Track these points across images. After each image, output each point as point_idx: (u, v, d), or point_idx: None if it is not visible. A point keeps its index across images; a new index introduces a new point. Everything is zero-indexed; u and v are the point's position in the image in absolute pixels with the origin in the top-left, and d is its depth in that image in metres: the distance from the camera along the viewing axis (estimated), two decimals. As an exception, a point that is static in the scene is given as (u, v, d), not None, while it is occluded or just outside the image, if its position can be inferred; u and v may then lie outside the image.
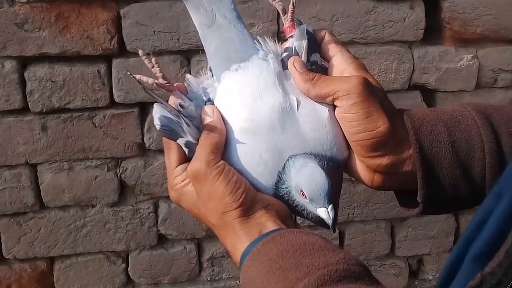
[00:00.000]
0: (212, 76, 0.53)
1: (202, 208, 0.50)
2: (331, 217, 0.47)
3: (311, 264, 0.41)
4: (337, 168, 0.50)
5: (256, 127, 0.50)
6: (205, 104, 0.52)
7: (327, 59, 0.53)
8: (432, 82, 1.15)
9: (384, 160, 0.49)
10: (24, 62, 1.03)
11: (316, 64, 0.53)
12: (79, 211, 1.13)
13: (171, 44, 1.03)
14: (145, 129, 1.10)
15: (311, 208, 0.49)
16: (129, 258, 1.19)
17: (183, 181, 0.51)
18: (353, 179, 0.54)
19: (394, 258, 1.31)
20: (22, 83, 1.03)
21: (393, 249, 1.29)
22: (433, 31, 1.13)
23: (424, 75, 1.14)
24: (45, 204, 1.11)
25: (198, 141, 0.50)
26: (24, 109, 1.05)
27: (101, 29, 1.01)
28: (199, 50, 1.04)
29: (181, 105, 0.51)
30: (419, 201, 0.50)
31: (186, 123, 0.49)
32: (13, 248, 1.13)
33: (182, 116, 0.49)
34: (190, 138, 0.50)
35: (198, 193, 0.49)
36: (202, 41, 0.54)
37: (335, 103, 0.50)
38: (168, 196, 1.14)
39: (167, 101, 0.51)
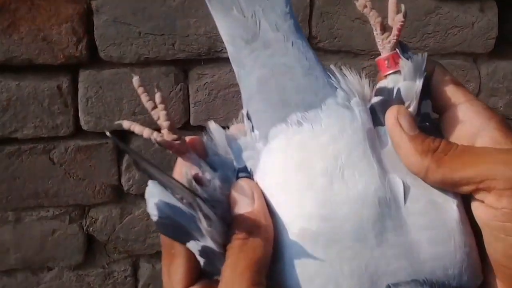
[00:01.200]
0: (253, 130, 0.38)
1: None
2: None
3: None
4: None
5: (332, 231, 0.34)
6: (238, 177, 0.37)
7: (441, 109, 0.38)
8: (500, 107, 0.96)
9: None
10: (-49, 73, 0.84)
11: (429, 119, 0.37)
12: (30, 276, 0.94)
13: (162, 51, 0.86)
14: (123, 167, 0.91)
15: None
16: (99, 336, 1.01)
17: None
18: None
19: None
20: (-51, 102, 0.84)
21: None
22: (504, 42, 0.95)
23: (492, 98, 0.96)
24: (-18, 269, 0.92)
25: (224, 249, 0.34)
26: (-49, 139, 0.87)
27: (64, 28, 0.83)
28: (201, 60, 0.86)
29: (197, 179, 0.35)
30: None
31: (206, 217, 0.34)
32: None
33: (199, 203, 0.33)
34: (210, 243, 0.34)
35: None
36: (234, 66, 0.39)
37: (477, 197, 0.34)
38: (152, 255, 0.95)
39: (172, 171, 0.36)
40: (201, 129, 0.85)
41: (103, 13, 0.83)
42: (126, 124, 0.36)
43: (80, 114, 0.87)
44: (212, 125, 0.38)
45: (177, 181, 0.33)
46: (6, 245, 0.90)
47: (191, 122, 0.89)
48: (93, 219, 0.94)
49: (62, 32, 0.82)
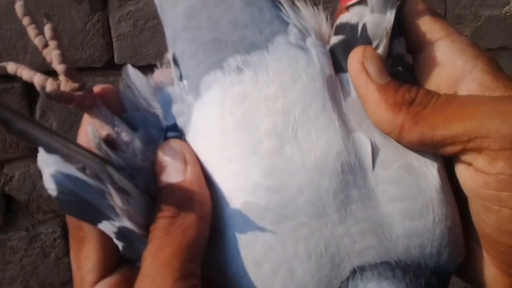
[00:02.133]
0: (181, 79, 0.32)
1: None
2: None
3: None
4: (441, 286, 0.31)
5: (283, 206, 0.29)
6: (166, 138, 0.31)
7: (415, 47, 0.32)
8: (467, 35, 0.90)
9: None
10: None
11: (403, 62, 0.31)
12: None
13: None
14: (37, 114, 0.82)
15: None
16: (30, 303, 0.97)
17: None
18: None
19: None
20: None
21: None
22: None
23: (458, 25, 0.93)
24: None
25: (147, 230, 0.28)
26: None
27: None
28: (121, -18, 0.78)
29: (109, 142, 0.29)
30: None
31: (121, 191, 0.28)
32: None
33: (111, 173, 0.28)
34: (128, 224, 0.28)
35: None
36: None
37: (466, 159, 0.29)
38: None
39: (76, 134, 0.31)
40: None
41: None
42: (11, 67, 0.30)
43: (-25, 53, 0.76)
44: (131, 71, 0.32)
45: (74, 144, 0.28)
46: None
47: (116, 60, 0.81)
48: (8, 177, 0.87)
49: None
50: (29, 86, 0.79)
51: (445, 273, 0.31)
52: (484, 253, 0.31)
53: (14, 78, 0.79)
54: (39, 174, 0.85)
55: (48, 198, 0.88)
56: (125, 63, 0.83)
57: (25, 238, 0.90)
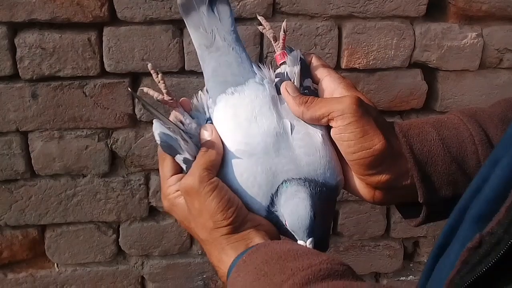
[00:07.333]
0: (209, 98, 0.53)
1: (192, 222, 0.50)
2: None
3: (295, 267, 0.41)
4: (330, 193, 0.50)
5: (251, 149, 0.49)
6: (206, 123, 0.52)
7: (316, 82, 0.53)
8: (433, 60, 1.10)
9: (383, 177, 0.49)
10: (14, 28, 0.99)
11: (309, 89, 0.52)
12: (69, 180, 1.11)
13: (162, 13, 0.99)
14: (136, 100, 1.06)
15: (294, 237, 0.49)
16: (120, 229, 1.17)
17: (176, 191, 0.51)
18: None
19: (389, 240, 1.28)
20: (12, 49, 0.99)
21: (388, 230, 1.27)
22: (436, 7, 1.07)
23: (425, 52, 1.09)
24: (36, 172, 1.09)
25: (195, 158, 0.49)
26: (14, 76, 1.01)
27: (92, -4, 0.97)
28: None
29: (181, 122, 0.51)
30: (420, 202, 0.50)
31: (184, 140, 0.49)
32: (4, 214, 1.12)
33: (181, 133, 0.49)
34: (187, 155, 0.49)
35: (189, 208, 0.49)
36: (200, 61, 0.54)
37: (330, 124, 0.49)
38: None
39: (169, 116, 0.52)
40: (193, 73, 1.03)
41: (119, -15, 0.95)
42: (145, 89, 0.53)
43: (104, 59, 1.01)
44: (201, 93, 0.53)
45: (170, 120, 0.50)
46: (52, 155, 1.06)
47: (185, 67, 1.03)
48: (115, 139, 1.08)
49: (90, -2, 0.95)
50: (132, 81, 1.01)
51: (330, 185, 0.49)
52: (353, 172, 0.50)
53: (124, 75, 1.05)
54: (133, 139, 1.08)
55: (138, 156, 1.07)
56: (191, 70, 1.08)
57: (121, 182, 1.11)
